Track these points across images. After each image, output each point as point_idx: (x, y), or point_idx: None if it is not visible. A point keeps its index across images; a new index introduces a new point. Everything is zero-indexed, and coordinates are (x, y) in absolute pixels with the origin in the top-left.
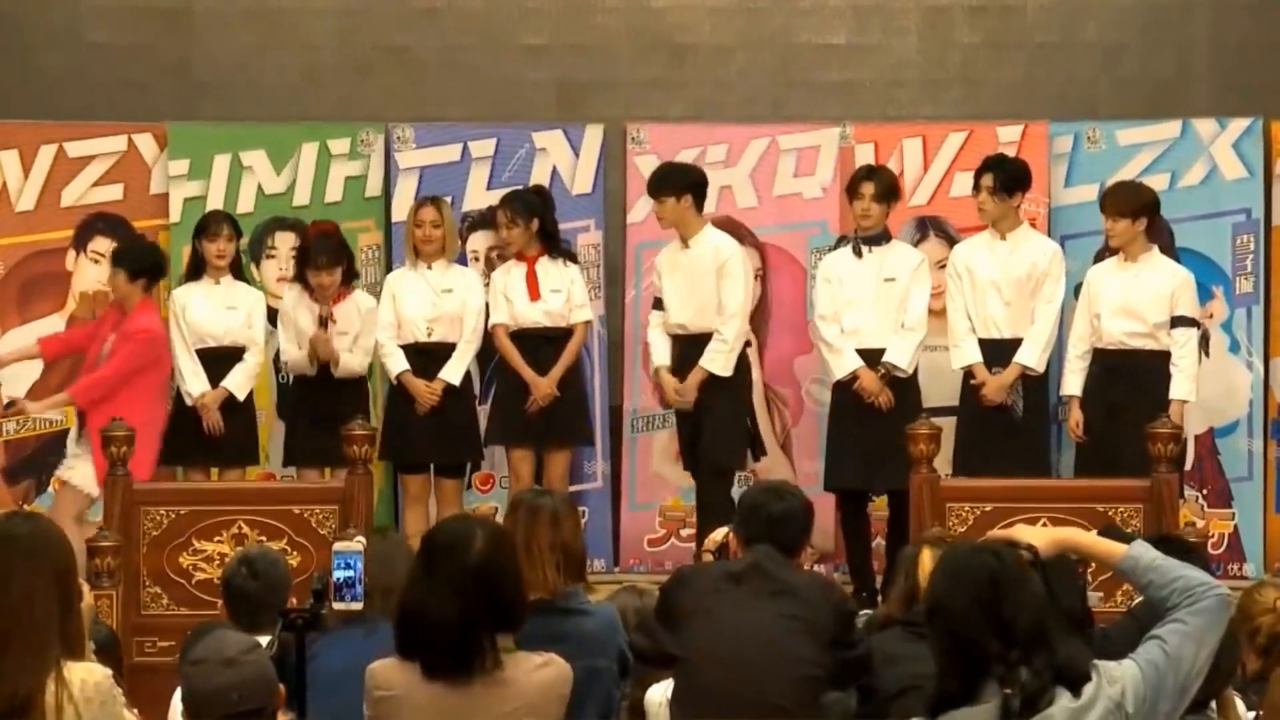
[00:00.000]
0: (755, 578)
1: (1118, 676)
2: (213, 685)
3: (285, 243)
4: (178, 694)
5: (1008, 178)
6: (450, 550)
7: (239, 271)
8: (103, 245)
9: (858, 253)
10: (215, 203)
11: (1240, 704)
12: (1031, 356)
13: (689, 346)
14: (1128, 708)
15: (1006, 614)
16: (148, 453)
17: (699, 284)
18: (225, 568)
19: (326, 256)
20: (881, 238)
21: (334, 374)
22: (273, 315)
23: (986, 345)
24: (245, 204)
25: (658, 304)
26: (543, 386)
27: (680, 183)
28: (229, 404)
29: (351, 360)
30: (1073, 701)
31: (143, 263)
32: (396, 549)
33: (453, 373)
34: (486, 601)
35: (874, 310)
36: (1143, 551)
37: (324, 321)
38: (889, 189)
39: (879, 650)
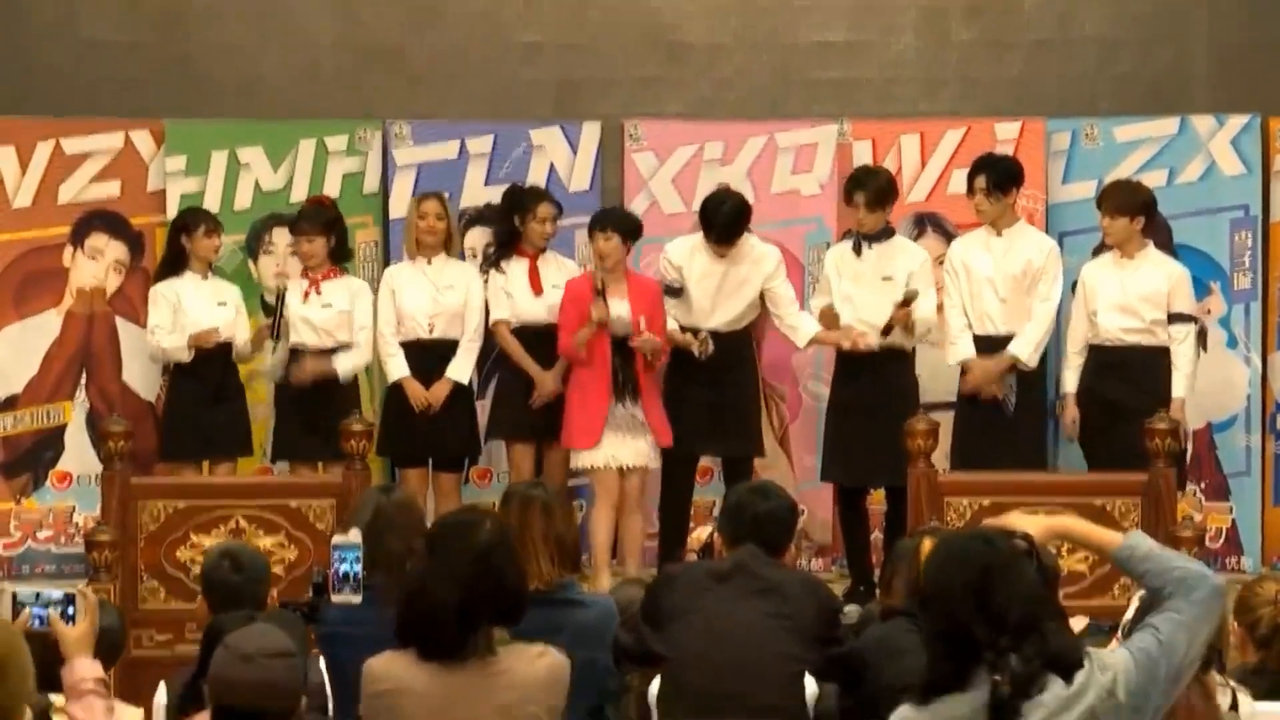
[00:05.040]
0: (740, 577)
1: (1110, 664)
2: (225, 675)
3: (283, 239)
4: (162, 685)
5: (1001, 176)
6: (455, 537)
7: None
8: (100, 242)
9: (857, 250)
10: (213, 199)
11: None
12: (1024, 350)
13: None
14: (1119, 695)
15: (998, 601)
16: None
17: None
18: (205, 562)
19: (310, 224)
20: (883, 234)
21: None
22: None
23: (982, 341)
24: (242, 201)
25: None
26: (548, 383)
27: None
28: (220, 396)
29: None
30: (1065, 689)
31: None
32: (403, 511)
33: (459, 371)
34: (488, 590)
35: (869, 308)
36: (1140, 541)
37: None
38: (880, 194)
39: (883, 642)
